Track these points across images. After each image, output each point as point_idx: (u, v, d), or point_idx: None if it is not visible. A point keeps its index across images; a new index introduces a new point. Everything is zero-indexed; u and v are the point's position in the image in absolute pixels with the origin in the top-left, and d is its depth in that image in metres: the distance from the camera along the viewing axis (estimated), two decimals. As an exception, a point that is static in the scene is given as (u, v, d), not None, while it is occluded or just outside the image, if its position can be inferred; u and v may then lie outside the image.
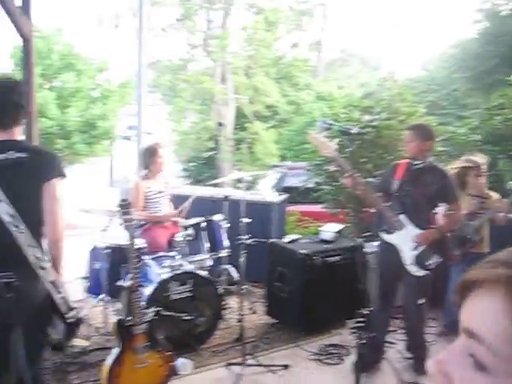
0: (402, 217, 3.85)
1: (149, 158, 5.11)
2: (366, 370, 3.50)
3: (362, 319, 3.25)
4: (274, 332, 4.84)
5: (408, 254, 3.85)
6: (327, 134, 4.01)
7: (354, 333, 3.84)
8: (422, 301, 3.91)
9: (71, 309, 2.60)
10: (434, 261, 3.77)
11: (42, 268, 2.52)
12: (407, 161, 3.97)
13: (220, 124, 5.30)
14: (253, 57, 18.58)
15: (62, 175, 2.69)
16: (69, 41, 19.63)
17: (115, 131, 20.62)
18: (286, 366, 4.17)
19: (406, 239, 3.84)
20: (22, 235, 2.51)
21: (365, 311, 3.26)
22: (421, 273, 3.82)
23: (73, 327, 2.63)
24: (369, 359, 3.85)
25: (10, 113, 2.68)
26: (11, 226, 2.51)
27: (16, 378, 2.83)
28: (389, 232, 3.92)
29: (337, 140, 4.04)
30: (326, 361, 4.34)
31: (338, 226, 5.17)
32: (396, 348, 4.42)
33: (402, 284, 4.03)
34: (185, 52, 19.31)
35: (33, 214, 2.58)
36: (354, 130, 3.69)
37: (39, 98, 15.68)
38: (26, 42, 5.29)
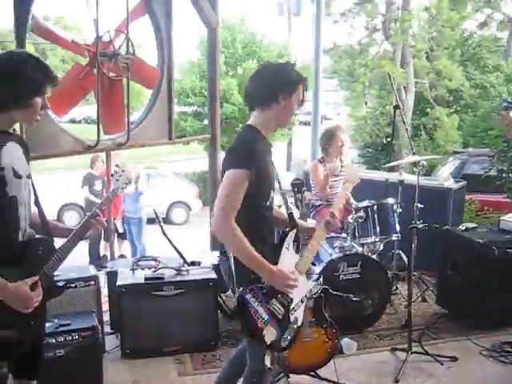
0: None
1: (327, 141, 5.17)
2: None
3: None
4: (443, 322, 4.67)
5: None
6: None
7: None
8: None
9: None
10: None
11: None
12: None
13: (397, 107, 5.06)
14: (435, 38, 17.67)
15: (233, 167, 2.49)
16: (251, 30, 20.51)
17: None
18: (454, 358, 4.03)
19: None
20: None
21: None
22: None
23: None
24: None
25: (256, 95, 2.65)
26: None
27: None
28: None
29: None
30: (501, 359, 4.08)
31: (520, 216, 4.80)
32: None
33: None
34: (364, 36, 18.99)
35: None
36: (541, 109, 3.36)
37: (223, 84, 16.68)
38: (212, 32, 5.65)
